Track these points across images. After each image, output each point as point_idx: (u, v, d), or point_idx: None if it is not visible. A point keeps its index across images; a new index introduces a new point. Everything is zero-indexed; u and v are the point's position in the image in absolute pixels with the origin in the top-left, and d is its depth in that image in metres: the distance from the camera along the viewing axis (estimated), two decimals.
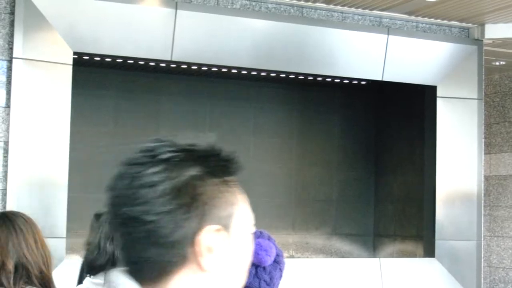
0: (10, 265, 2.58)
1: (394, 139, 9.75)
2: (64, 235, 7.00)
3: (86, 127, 8.65)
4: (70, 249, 7.98)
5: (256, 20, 7.97)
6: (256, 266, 2.52)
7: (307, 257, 9.61)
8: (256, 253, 2.51)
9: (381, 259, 8.78)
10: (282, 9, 8.12)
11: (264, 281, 2.53)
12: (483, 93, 9.08)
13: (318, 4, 8.14)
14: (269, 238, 2.61)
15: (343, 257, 9.76)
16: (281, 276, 2.60)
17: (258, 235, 2.58)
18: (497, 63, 9.94)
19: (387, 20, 8.60)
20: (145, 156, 1.49)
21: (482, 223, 8.95)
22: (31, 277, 2.60)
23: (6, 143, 6.83)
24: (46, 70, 6.99)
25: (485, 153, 9.60)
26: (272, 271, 2.56)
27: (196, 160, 1.43)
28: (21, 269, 2.60)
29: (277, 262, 2.59)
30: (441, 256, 8.69)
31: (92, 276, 3.59)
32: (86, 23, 7.23)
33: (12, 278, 2.56)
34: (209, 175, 1.41)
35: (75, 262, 7.51)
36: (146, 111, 9.06)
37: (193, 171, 1.41)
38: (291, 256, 9.44)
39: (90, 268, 3.59)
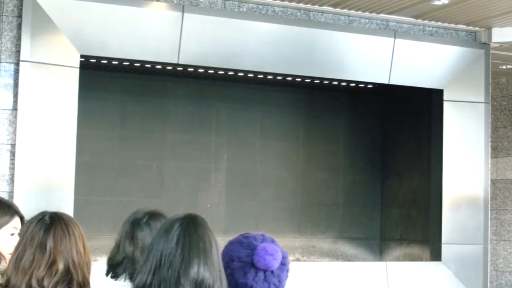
0: (60, 266, 2.59)
1: (401, 143, 9.74)
2: None
3: (93, 130, 8.66)
4: None
5: (263, 24, 7.96)
6: (264, 271, 2.52)
7: (313, 261, 9.61)
8: (263, 258, 2.50)
9: (387, 262, 8.77)
10: (289, 12, 8.11)
11: (274, 284, 2.53)
12: (490, 97, 9.07)
13: (325, 8, 8.14)
14: (272, 241, 2.61)
15: (349, 260, 9.75)
16: (287, 277, 2.61)
17: (261, 239, 2.58)
18: (504, 67, 9.93)
19: (394, 23, 8.60)
20: None
21: (489, 227, 8.94)
22: (73, 283, 2.62)
23: (13, 145, 6.84)
24: (53, 73, 7.00)
25: (491, 157, 9.59)
26: (280, 273, 2.56)
27: None
28: (65, 274, 2.61)
29: (283, 264, 2.59)
30: (447, 260, 8.67)
31: (114, 278, 3.58)
32: (93, 26, 7.24)
33: (53, 281, 2.57)
34: None
35: None
36: (152, 114, 9.06)
37: None
38: (297, 260, 9.44)
39: (109, 266, 3.58)
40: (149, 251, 2.40)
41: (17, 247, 2.66)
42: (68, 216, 2.75)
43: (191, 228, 2.42)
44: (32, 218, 2.72)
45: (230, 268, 2.52)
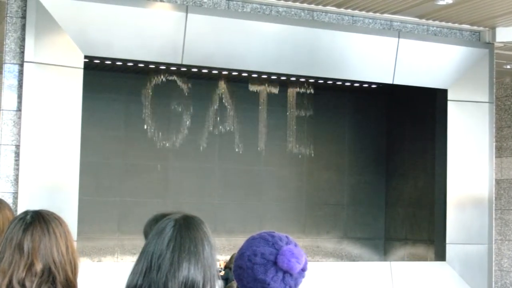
0: (39, 267, 2.54)
1: (405, 143, 9.74)
2: (75, 238, 7.02)
3: (97, 130, 8.67)
4: (81, 253, 8.00)
5: (267, 24, 7.96)
6: (284, 272, 2.53)
7: (318, 261, 9.61)
8: (288, 260, 2.52)
9: (392, 262, 8.77)
10: (292, 12, 8.12)
11: (290, 286, 2.55)
12: (494, 97, 9.06)
13: (328, 8, 8.14)
14: (295, 245, 2.62)
15: (353, 260, 9.75)
16: (301, 281, 2.63)
17: (286, 241, 2.59)
18: (508, 66, 9.92)
19: (398, 23, 8.59)
20: None
21: (493, 227, 8.92)
22: (56, 283, 2.57)
23: (18, 146, 6.85)
24: (57, 73, 7.01)
25: (496, 157, 9.58)
26: (298, 277, 2.58)
27: None
28: (47, 274, 2.56)
29: (303, 269, 2.60)
30: (452, 260, 8.66)
31: None
32: (97, 27, 7.24)
33: (36, 282, 2.53)
34: None
35: (86, 265, 7.53)
36: (156, 114, 9.07)
37: None
38: None
39: None
40: (142, 252, 2.38)
41: None
42: (51, 215, 2.68)
43: (183, 229, 2.39)
44: (15, 217, 2.68)
45: (251, 262, 2.53)
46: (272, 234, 2.60)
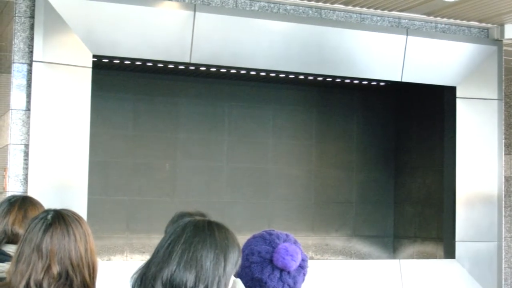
0: (55, 270, 2.50)
1: (414, 141, 9.72)
2: None
3: (106, 129, 8.68)
4: None
5: (275, 22, 7.96)
6: (281, 270, 2.53)
7: (327, 259, 9.60)
8: (282, 258, 2.51)
9: (401, 260, 8.76)
10: (300, 10, 8.11)
11: (288, 285, 2.54)
12: (503, 94, 9.04)
13: (336, 6, 8.13)
14: (295, 242, 2.61)
15: (362, 258, 9.74)
16: (303, 280, 2.61)
17: (284, 239, 2.58)
18: None
19: (406, 21, 8.58)
20: None
21: (503, 224, 8.91)
22: (73, 286, 2.53)
23: (27, 146, 6.87)
24: (65, 73, 7.02)
25: (505, 154, 9.55)
26: (296, 275, 2.56)
27: None
28: (64, 277, 2.52)
29: (302, 267, 2.59)
30: (461, 257, 8.65)
31: None
32: (105, 26, 7.25)
33: (53, 285, 2.49)
34: None
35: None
36: (165, 113, 9.08)
37: None
38: (311, 258, 9.43)
39: None
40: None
41: (18, 246, 2.58)
42: (72, 215, 2.63)
43: (189, 229, 2.23)
44: (35, 217, 2.63)
45: (249, 261, 2.53)
46: (271, 232, 2.60)
